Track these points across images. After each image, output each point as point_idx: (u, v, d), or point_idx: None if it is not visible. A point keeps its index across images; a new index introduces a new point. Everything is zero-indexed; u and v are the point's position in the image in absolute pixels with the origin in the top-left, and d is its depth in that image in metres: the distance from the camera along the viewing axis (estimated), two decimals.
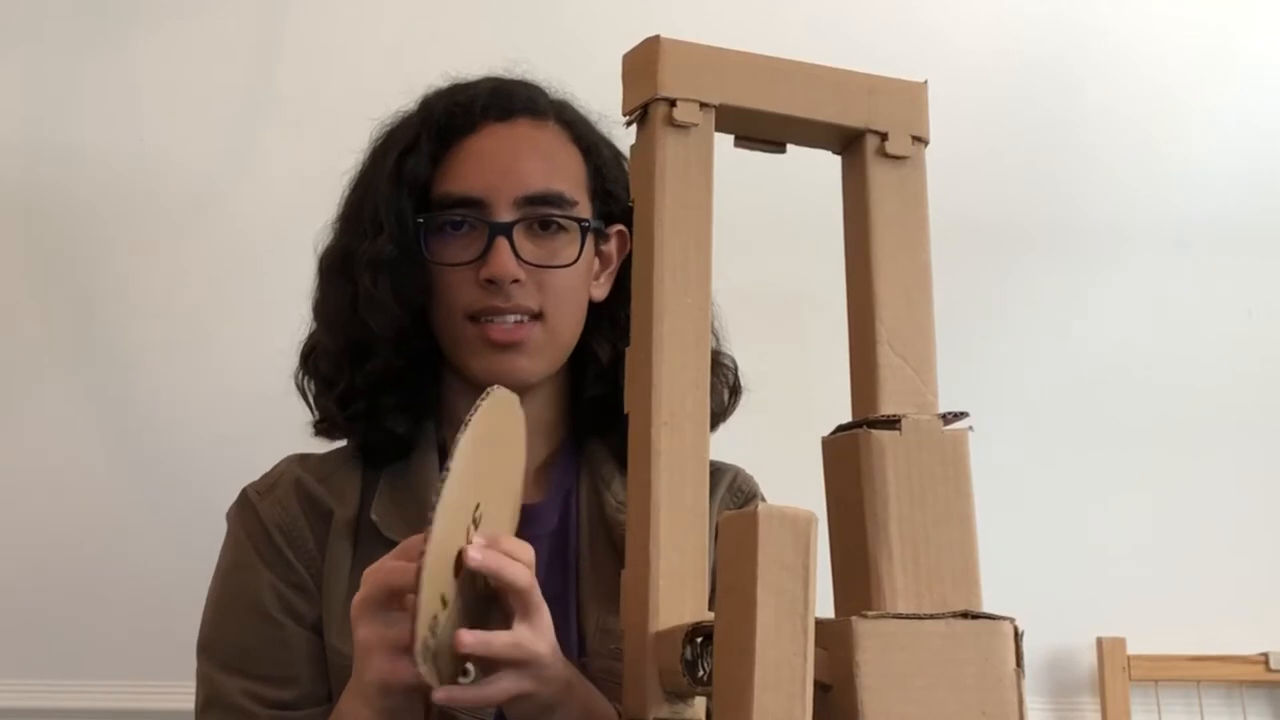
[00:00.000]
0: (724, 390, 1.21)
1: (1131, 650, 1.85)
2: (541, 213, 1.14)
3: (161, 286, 1.80)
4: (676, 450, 0.79)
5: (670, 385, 0.79)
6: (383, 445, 1.17)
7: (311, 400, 1.22)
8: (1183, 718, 1.89)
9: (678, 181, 0.81)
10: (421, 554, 0.81)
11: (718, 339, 1.18)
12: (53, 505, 1.75)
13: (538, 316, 1.14)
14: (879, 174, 0.83)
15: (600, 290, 1.21)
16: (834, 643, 0.68)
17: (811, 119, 0.83)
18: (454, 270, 1.14)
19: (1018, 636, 0.69)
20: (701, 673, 0.73)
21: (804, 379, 1.63)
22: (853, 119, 0.83)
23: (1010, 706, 0.68)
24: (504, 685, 0.90)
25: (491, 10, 1.90)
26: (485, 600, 0.91)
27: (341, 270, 1.17)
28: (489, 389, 0.90)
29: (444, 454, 1.11)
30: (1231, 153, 1.99)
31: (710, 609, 0.73)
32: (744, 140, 0.86)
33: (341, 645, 1.09)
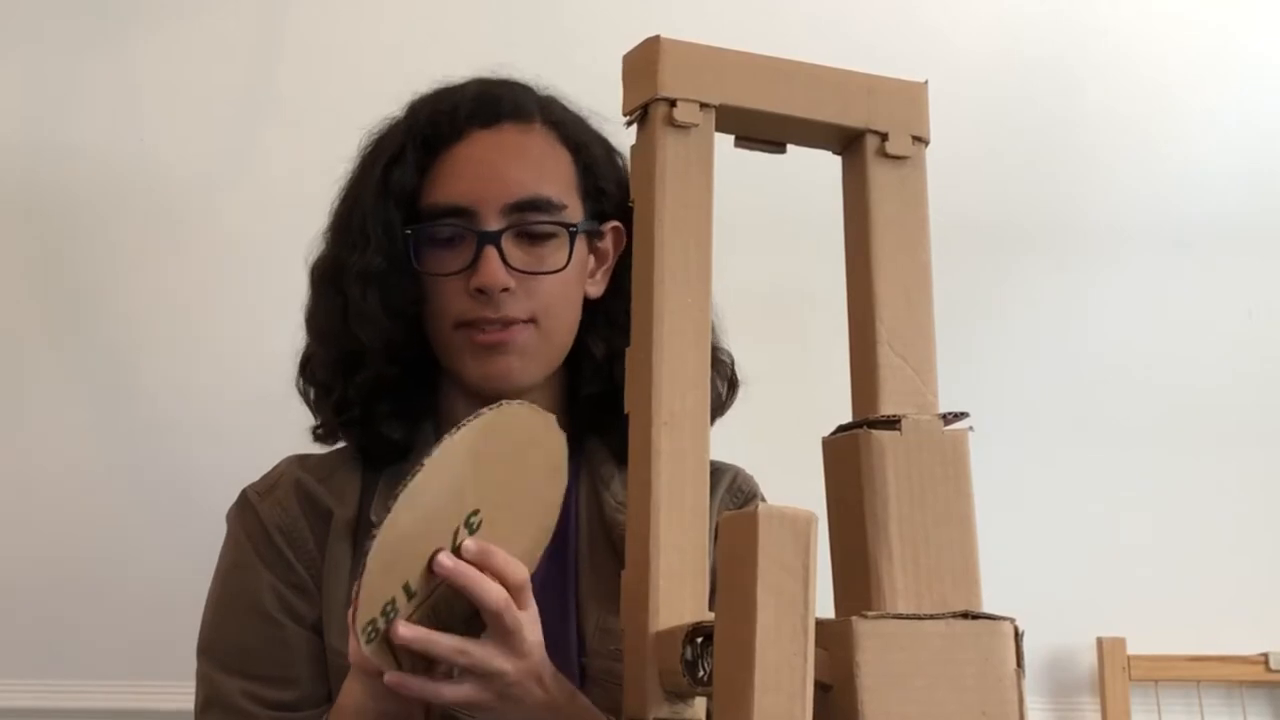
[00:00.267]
0: (721, 385, 1.20)
1: (1131, 650, 1.84)
2: (529, 219, 1.13)
3: (161, 286, 1.80)
4: (676, 450, 0.79)
5: (670, 385, 0.80)
6: (380, 449, 1.17)
7: (311, 406, 1.22)
8: (1183, 718, 1.88)
9: (678, 182, 0.81)
10: (372, 536, 0.81)
11: (715, 333, 1.18)
12: (52, 505, 1.75)
13: (530, 321, 1.14)
14: (879, 174, 0.83)
15: (596, 287, 1.20)
16: (834, 643, 0.68)
17: (811, 119, 0.83)
18: (444, 280, 1.14)
19: (1018, 636, 0.69)
20: (701, 673, 0.73)
21: (804, 379, 1.62)
22: (853, 119, 0.84)
23: (1010, 706, 0.68)
24: (462, 690, 0.90)
25: (491, 10, 1.90)
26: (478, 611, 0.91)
27: (332, 282, 1.17)
28: (501, 402, 0.90)
29: None
30: (1231, 153, 1.99)
31: (710, 609, 0.73)
32: (744, 140, 0.86)
33: (341, 646, 1.08)
